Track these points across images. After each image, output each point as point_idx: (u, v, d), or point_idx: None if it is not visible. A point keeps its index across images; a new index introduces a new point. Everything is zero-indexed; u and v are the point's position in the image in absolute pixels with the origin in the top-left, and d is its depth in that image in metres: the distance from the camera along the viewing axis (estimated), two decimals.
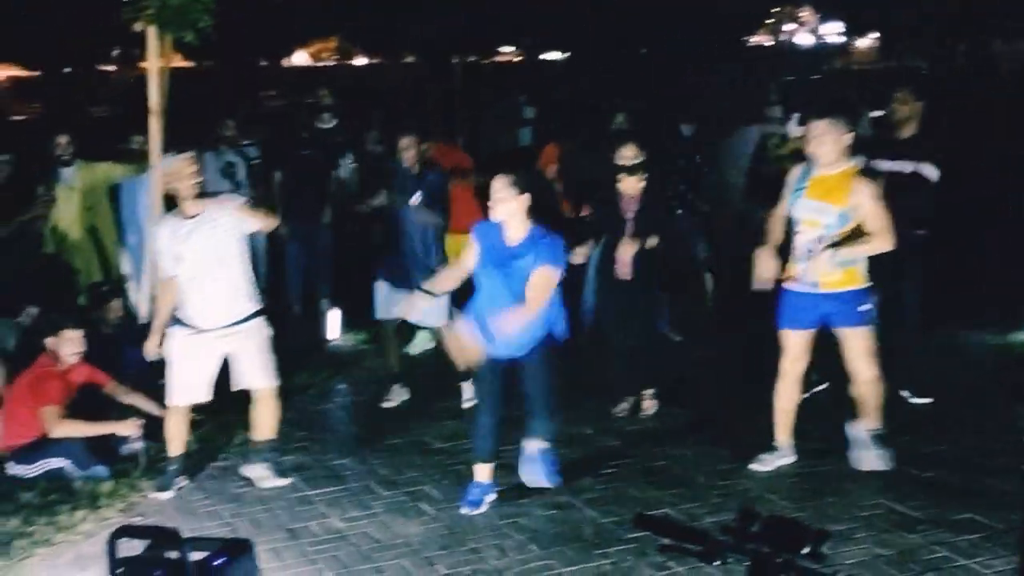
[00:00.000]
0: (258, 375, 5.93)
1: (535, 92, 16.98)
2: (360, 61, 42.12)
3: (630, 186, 6.66)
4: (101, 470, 6.01)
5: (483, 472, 5.67)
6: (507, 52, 38.67)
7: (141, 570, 3.08)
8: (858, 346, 5.75)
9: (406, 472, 6.14)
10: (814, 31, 47.95)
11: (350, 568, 5.02)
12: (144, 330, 7.36)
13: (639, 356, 6.84)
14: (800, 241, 5.70)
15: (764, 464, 5.99)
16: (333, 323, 8.74)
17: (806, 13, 44.83)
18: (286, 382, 6.59)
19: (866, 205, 5.57)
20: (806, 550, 2.57)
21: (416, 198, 6.99)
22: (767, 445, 6.02)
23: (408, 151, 7.10)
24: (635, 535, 5.17)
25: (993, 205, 11.03)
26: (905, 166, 6.66)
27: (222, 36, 7.25)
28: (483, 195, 5.78)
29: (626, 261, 6.59)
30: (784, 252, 5.85)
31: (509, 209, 5.39)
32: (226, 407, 6.40)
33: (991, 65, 24.06)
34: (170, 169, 5.80)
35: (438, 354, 7.53)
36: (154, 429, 6.39)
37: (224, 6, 7.10)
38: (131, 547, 3.19)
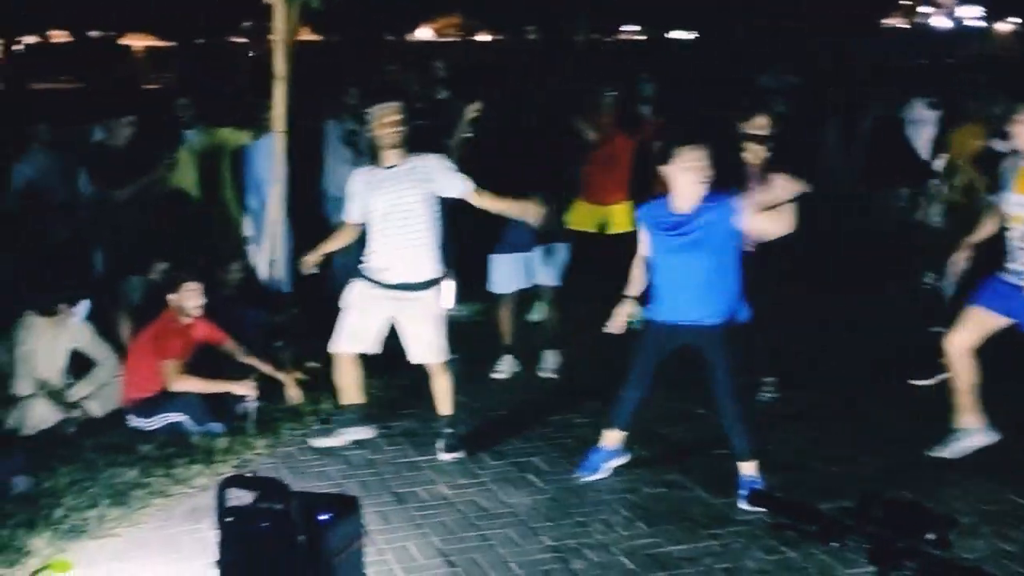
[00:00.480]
0: (425, 349, 5.90)
1: (657, 70, 16.78)
2: (483, 38, 42.25)
3: (755, 155, 6.45)
4: (216, 427, 6.13)
5: (611, 437, 5.58)
6: (630, 30, 38.33)
7: (248, 520, 3.11)
8: None
9: (514, 443, 6.12)
10: (951, 14, 46.31)
11: (456, 534, 5.02)
12: (264, 293, 7.55)
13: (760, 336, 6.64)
14: (1013, 236, 5.42)
15: (952, 451, 5.73)
16: (447, 293, 8.74)
17: None
18: (392, 347, 6.65)
19: None
20: (931, 536, 2.45)
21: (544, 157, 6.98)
22: (886, 434, 5.82)
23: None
24: (746, 518, 5.05)
25: None
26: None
27: (349, 11, 7.31)
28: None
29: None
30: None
31: (704, 180, 5.19)
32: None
33: None
34: (373, 115, 5.75)
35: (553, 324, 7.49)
36: (268, 390, 6.53)
37: None
38: (240, 498, 3.22)
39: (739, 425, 5.33)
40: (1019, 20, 35.99)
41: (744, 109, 6.50)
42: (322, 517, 3.13)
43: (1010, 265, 5.46)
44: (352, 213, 5.92)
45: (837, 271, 9.24)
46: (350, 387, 6.02)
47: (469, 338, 8.09)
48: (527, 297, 7.77)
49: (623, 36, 38.04)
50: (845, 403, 6.64)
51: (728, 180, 6.39)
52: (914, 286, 8.25)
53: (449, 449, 5.92)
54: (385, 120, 5.70)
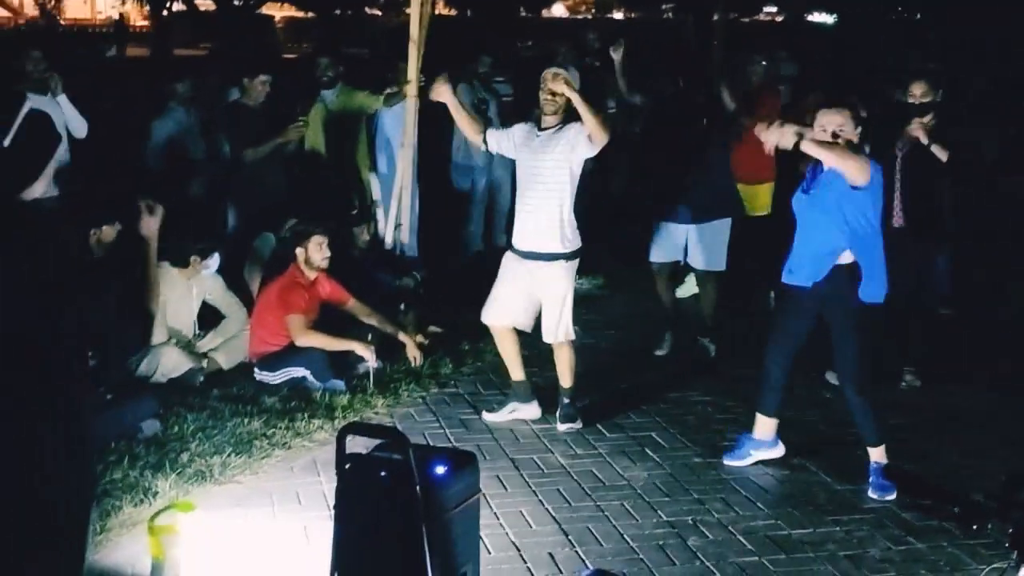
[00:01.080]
0: (550, 326, 5.83)
1: (797, 51, 16.37)
2: (618, 15, 41.95)
3: (915, 127, 6.16)
4: (339, 384, 6.20)
5: (762, 426, 5.37)
6: (771, 12, 37.53)
7: (367, 467, 3.11)
8: None
9: (633, 417, 6.04)
10: None
11: (571, 504, 4.98)
12: (390, 256, 7.61)
13: (911, 320, 6.39)
14: None
15: None
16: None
17: None
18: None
19: None
20: None
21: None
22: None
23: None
24: (872, 506, 4.88)
25: None
26: None
27: None
28: None
29: (897, 206, 6.16)
30: None
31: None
32: (460, 335, 6.49)
33: None
34: (542, 77, 5.70)
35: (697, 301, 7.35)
36: (390, 351, 6.58)
37: None
38: (360, 446, 3.22)
39: (863, 412, 5.14)
40: None
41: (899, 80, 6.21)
42: (439, 470, 3.12)
43: None
44: (492, 136, 5.91)
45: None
46: (510, 361, 5.98)
47: (592, 310, 8.06)
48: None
49: (763, 17, 37.28)
50: (991, 400, 6.36)
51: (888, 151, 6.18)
52: None
53: (565, 419, 5.87)
54: (546, 84, 5.63)
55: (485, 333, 6.23)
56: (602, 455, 5.54)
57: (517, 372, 5.99)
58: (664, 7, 34.87)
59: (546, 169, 5.65)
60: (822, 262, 5.03)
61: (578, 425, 5.85)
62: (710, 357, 7.00)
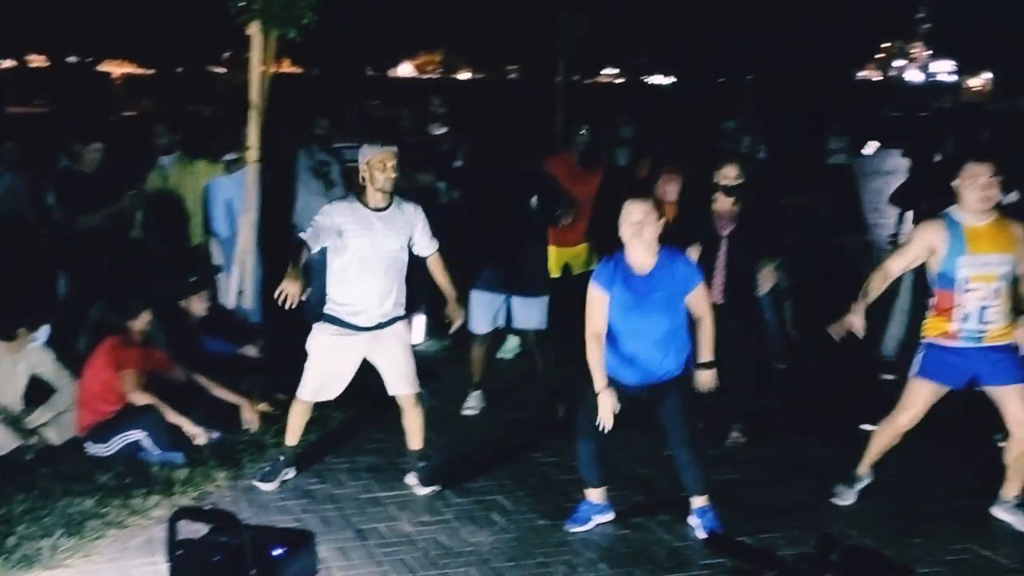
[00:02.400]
0: (397, 383, 5.88)
1: (635, 113, 16.89)
2: (464, 75, 42.53)
3: (725, 207, 6.49)
4: (178, 456, 6.04)
5: (595, 495, 5.53)
6: (610, 73, 38.69)
7: (199, 553, 3.04)
8: (1020, 403, 5.41)
9: (479, 480, 6.06)
10: (924, 68, 47.02)
11: (416, 572, 4.96)
12: (232, 323, 7.49)
13: (731, 386, 6.61)
14: (971, 300, 5.36)
15: (844, 497, 5.77)
16: (417, 328, 8.71)
17: (917, 49, 43.99)
18: (364, 383, 6.59)
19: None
20: None
21: (534, 201, 6.91)
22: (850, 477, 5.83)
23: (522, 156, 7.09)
24: (708, 561, 4.98)
25: None
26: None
27: (329, 44, 7.30)
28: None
29: (717, 284, 6.41)
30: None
31: (649, 235, 5.17)
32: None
33: None
34: (369, 157, 5.65)
35: (523, 360, 7.46)
36: (232, 421, 6.45)
37: (331, 14, 7.16)
38: (193, 530, 3.15)
39: (694, 467, 5.36)
40: (990, 75, 36.56)
41: (716, 159, 6.52)
42: (276, 552, 3.07)
43: (966, 326, 5.43)
44: (314, 237, 5.65)
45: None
46: (297, 430, 5.99)
47: (437, 374, 8.08)
48: (500, 335, 7.75)
49: (603, 79, 38.37)
50: (814, 450, 6.61)
51: (697, 230, 6.44)
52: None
53: (426, 482, 5.87)
54: (381, 164, 5.61)
55: (331, 401, 6.17)
56: (448, 521, 5.53)
57: (297, 440, 5.99)
58: (509, 68, 35.60)
59: (390, 248, 5.69)
60: (671, 353, 5.28)
61: (438, 487, 5.85)
62: (558, 416, 7.10)
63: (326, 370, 5.82)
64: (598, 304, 5.25)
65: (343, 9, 20.13)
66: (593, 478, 5.50)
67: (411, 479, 5.92)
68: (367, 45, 27.52)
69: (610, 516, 5.55)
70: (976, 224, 5.36)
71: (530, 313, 7.02)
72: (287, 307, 5.44)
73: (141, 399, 6.09)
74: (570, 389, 7.22)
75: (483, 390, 7.30)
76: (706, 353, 5.37)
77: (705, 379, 5.43)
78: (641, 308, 5.19)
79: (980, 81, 40.00)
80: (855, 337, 5.51)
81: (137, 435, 6.04)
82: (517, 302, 7.01)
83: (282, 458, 5.97)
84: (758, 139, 9.48)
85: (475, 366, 7.27)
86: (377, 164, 5.61)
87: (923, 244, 5.44)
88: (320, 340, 5.80)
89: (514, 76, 36.06)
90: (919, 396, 5.56)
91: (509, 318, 7.12)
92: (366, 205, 5.68)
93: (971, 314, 5.38)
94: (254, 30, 7.15)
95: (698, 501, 5.38)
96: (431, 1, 28.34)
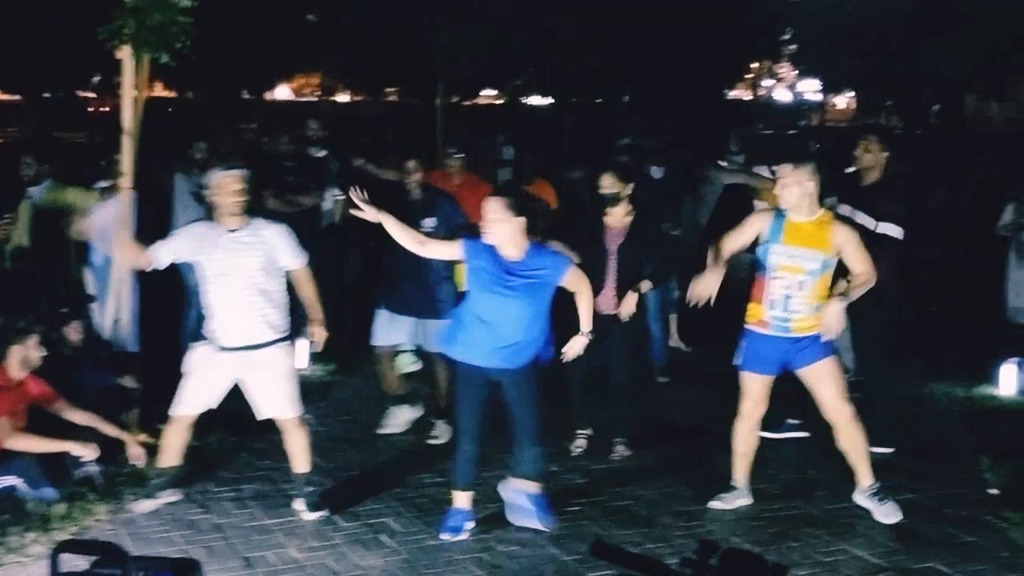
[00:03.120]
0: (274, 406, 5.83)
1: (516, 133, 17.07)
2: (342, 98, 42.27)
3: (614, 218, 6.60)
4: (50, 492, 5.87)
5: (462, 499, 5.63)
6: (489, 95, 38.90)
7: None
8: (829, 381, 5.73)
9: (368, 504, 6.04)
10: (792, 87, 48.56)
11: None
12: (108, 353, 7.31)
13: (616, 398, 6.75)
14: (777, 287, 5.68)
15: (724, 502, 5.96)
16: (301, 353, 8.65)
17: (784, 69, 45.40)
18: (250, 410, 6.52)
19: (849, 248, 5.64)
20: None
21: (429, 224, 6.93)
22: (728, 485, 6.01)
23: (414, 174, 7.07)
24: (597, 574, 5.10)
25: (960, 257, 11.16)
26: (868, 222, 6.65)
27: (203, 66, 7.20)
28: None
29: (607, 296, 6.53)
30: (735, 293, 5.96)
31: (504, 231, 5.34)
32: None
33: (962, 124, 24.43)
34: (216, 182, 5.70)
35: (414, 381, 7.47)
36: (113, 453, 6.30)
37: (206, 36, 7.07)
38: (75, 564, 3.09)
39: (533, 451, 5.56)
40: (852, 93, 37.99)
41: (594, 169, 6.63)
42: None
43: (773, 312, 5.71)
44: (161, 251, 5.84)
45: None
46: (175, 450, 5.92)
47: (323, 398, 8.05)
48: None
49: (482, 100, 38.58)
50: (699, 459, 6.78)
51: (584, 242, 6.56)
52: None
53: (313, 508, 5.83)
54: (228, 188, 5.67)
55: (212, 428, 6.10)
56: (337, 545, 5.51)
57: (179, 458, 5.94)
58: (388, 91, 35.50)
59: (247, 267, 5.68)
60: (528, 341, 5.42)
61: (325, 513, 5.81)
62: (438, 440, 7.11)
63: (197, 384, 5.81)
64: (450, 248, 5.55)
65: (217, 32, 19.88)
66: (469, 479, 5.60)
67: (298, 505, 5.88)
68: (242, 68, 27.11)
69: (473, 523, 5.65)
70: (798, 220, 5.68)
71: (429, 333, 7.02)
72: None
73: (16, 445, 5.90)
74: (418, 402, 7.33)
75: (410, 403, 7.26)
76: (585, 324, 5.56)
77: (577, 345, 5.58)
78: (504, 287, 5.33)
79: (844, 100, 41.55)
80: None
81: (11, 480, 5.86)
82: (425, 324, 7.03)
83: (160, 479, 5.89)
84: (653, 158, 9.71)
85: (387, 381, 7.26)
86: (223, 190, 5.68)
87: (753, 228, 5.82)
88: (194, 355, 5.85)
89: (394, 98, 36.00)
90: (751, 386, 5.89)
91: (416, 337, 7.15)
92: (220, 226, 5.74)
93: (777, 302, 5.70)
94: (125, 54, 7.02)
95: (531, 486, 5.58)
96: (307, 24, 28.15)
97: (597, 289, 6.37)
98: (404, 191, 7.11)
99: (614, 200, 6.53)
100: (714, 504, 5.96)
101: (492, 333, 5.37)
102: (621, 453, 6.76)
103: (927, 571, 5.26)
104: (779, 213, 5.75)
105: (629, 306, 6.54)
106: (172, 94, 34.03)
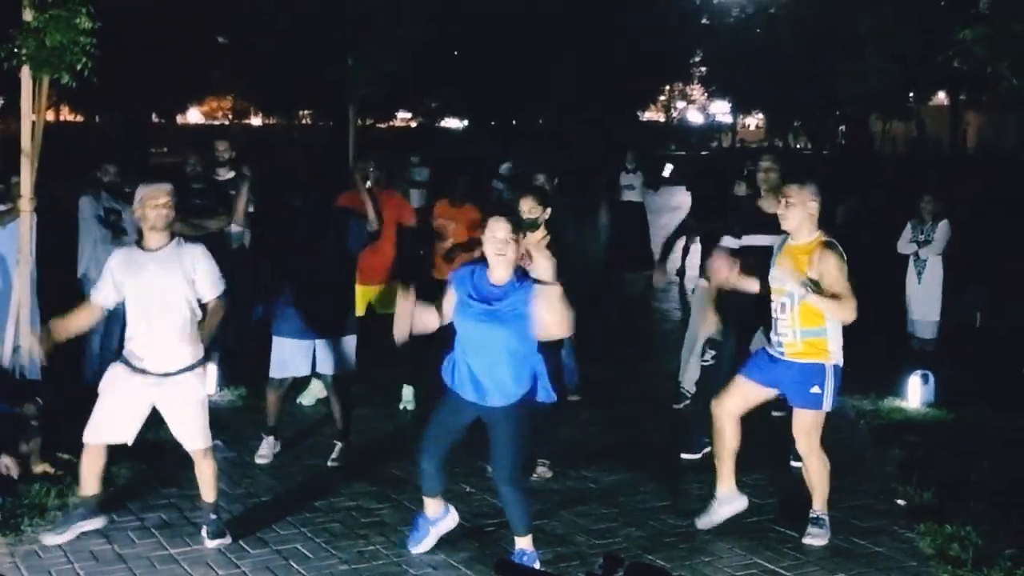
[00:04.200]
0: (185, 436, 5.69)
1: (429, 155, 17.09)
2: (256, 121, 41.93)
3: (530, 241, 6.56)
4: None
5: (431, 506, 5.55)
6: (405, 118, 38.91)
7: None
8: (798, 424, 5.76)
9: (277, 530, 5.92)
10: (704, 109, 49.43)
11: None
12: (8, 381, 7.09)
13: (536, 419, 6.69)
14: (773, 309, 5.73)
15: (711, 518, 5.92)
16: (210, 378, 8.48)
17: (696, 91, 46.19)
18: (157, 437, 6.38)
19: (827, 275, 5.55)
20: None
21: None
22: (649, 507, 6.03)
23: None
24: None
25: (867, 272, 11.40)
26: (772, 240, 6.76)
27: (111, 89, 7.04)
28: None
29: None
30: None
31: (514, 255, 5.21)
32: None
33: (868, 145, 25.05)
34: (142, 196, 5.53)
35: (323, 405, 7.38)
36: (10, 486, 6.10)
37: (113, 58, 6.93)
38: None
39: (518, 504, 5.37)
40: (761, 115, 38.77)
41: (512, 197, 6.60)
42: None
43: (771, 334, 5.78)
44: (102, 294, 5.68)
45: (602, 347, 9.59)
46: (93, 477, 5.73)
47: (232, 423, 7.90)
48: (300, 381, 7.64)
49: (397, 123, 38.59)
50: (617, 480, 6.79)
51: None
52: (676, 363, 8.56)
53: (214, 536, 5.70)
54: (154, 202, 5.51)
55: (115, 455, 5.93)
56: (245, 573, 5.38)
57: (97, 486, 5.76)
58: (302, 113, 35.30)
59: (168, 288, 5.55)
60: (519, 376, 5.27)
61: (228, 540, 5.69)
62: (345, 460, 7.03)
63: (111, 409, 5.61)
64: (447, 298, 5.33)
65: (124, 54, 19.56)
66: (435, 488, 5.51)
67: (204, 532, 5.75)
68: (151, 91, 26.70)
69: (451, 522, 5.60)
70: (795, 242, 5.73)
71: (335, 356, 6.96)
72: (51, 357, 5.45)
73: None
74: (358, 432, 7.24)
75: (276, 436, 7.17)
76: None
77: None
78: (491, 317, 5.18)
79: (754, 120, 42.42)
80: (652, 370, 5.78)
81: None
82: (321, 345, 6.94)
83: (80, 510, 5.70)
84: (548, 177, 9.77)
85: (270, 410, 7.14)
86: (149, 203, 5.53)
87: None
88: (109, 377, 5.67)
89: (307, 121, 35.81)
90: (741, 388, 5.89)
91: (313, 363, 7.03)
92: (142, 247, 5.60)
93: (773, 323, 5.75)
94: (24, 75, 6.85)
95: (521, 543, 5.40)
96: (218, 46, 27.86)
97: None
98: (306, 211, 7.01)
99: (533, 225, 6.49)
100: (700, 520, 5.93)
101: (482, 363, 5.22)
102: (542, 475, 6.70)
103: None
104: (786, 235, 5.77)
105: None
106: (79, 118, 33.41)
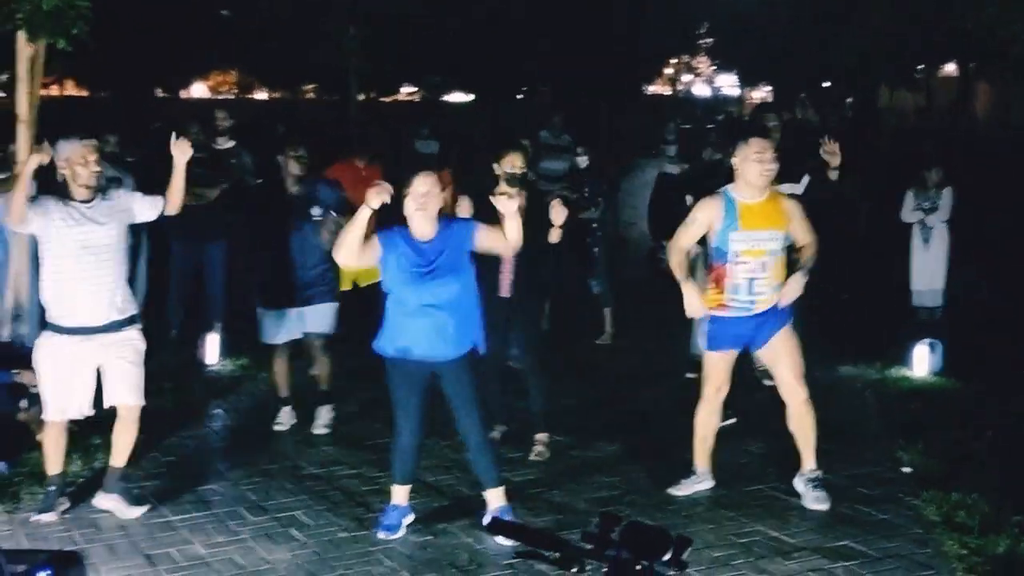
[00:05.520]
0: (124, 391, 5.58)
1: (437, 128, 16.96)
2: (260, 95, 41.73)
3: (512, 196, 6.44)
4: None
5: (400, 494, 5.48)
6: (410, 92, 38.71)
7: None
8: (787, 356, 5.72)
9: (277, 498, 5.89)
10: (710, 82, 49.13)
11: None
12: (7, 349, 7.05)
13: (530, 385, 6.62)
14: (740, 271, 5.62)
15: (682, 489, 5.93)
16: (211, 347, 8.47)
17: (702, 64, 45.90)
18: (158, 406, 6.34)
19: (796, 221, 5.63)
20: (666, 556, 2.46)
21: (316, 213, 6.77)
22: (677, 471, 5.99)
23: (292, 170, 6.88)
24: (511, 561, 5.02)
25: (869, 240, 11.34)
26: (794, 188, 6.71)
27: (116, 63, 6.93)
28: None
29: (505, 277, 6.41)
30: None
31: (435, 208, 5.18)
32: (88, 425, 6.09)
33: (875, 116, 24.88)
34: (69, 153, 5.43)
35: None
36: (9, 453, 6.08)
37: (117, 32, 6.85)
38: None
39: (484, 454, 5.38)
40: (769, 87, 38.52)
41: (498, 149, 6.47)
42: (40, 574, 2.88)
43: (737, 297, 5.69)
44: (32, 216, 5.39)
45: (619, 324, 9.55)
46: (58, 455, 5.64)
47: (233, 392, 7.87)
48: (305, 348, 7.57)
49: (402, 97, 38.38)
50: (620, 449, 6.75)
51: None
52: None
53: (136, 501, 5.65)
54: (84, 158, 5.43)
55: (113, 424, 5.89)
56: (244, 540, 5.35)
57: (61, 466, 5.68)
58: (305, 88, 35.10)
59: (102, 240, 5.45)
60: (461, 330, 5.24)
61: (148, 506, 5.62)
62: (327, 423, 7.00)
63: (60, 383, 5.51)
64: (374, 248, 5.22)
65: (129, 27, 19.45)
66: (407, 474, 5.47)
67: (108, 502, 5.60)
68: (156, 65, 26.56)
69: (412, 517, 5.52)
70: (750, 201, 5.62)
71: (318, 317, 6.90)
72: None
73: None
74: (358, 403, 7.20)
75: (292, 405, 7.10)
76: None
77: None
78: (430, 273, 5.17)
79: (761, 93, 42.13)
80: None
81: None
82: (308, 311, 6.89)
83: (52, 488, 5.63)
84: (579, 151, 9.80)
85: (278, 379, 7.08)
86: (78, 159, 5.44)
87: (703, 219, 5.71)
88: (44, 351, 5.52)
89: (311, 96, 35.62)
90: (714, 367, 5.82)
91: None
92: (74, 199, 5.47)
93: (741, 286, 5.66)
94: (21, 40, 6.77)
95: (494, 498, 5.40)
96: (222, 19, 27.68)
97: (496, 273, 6.30)
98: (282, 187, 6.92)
99: (520, 179, 6.39)
100: (672, 490, 5.92)
101: (429, 320, 5.19)
102: (541, 454, 6.53)
103: (841, 549, 5.26)
104: (728, 198, 5.65)
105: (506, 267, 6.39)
106: (84, 93, 33.30)
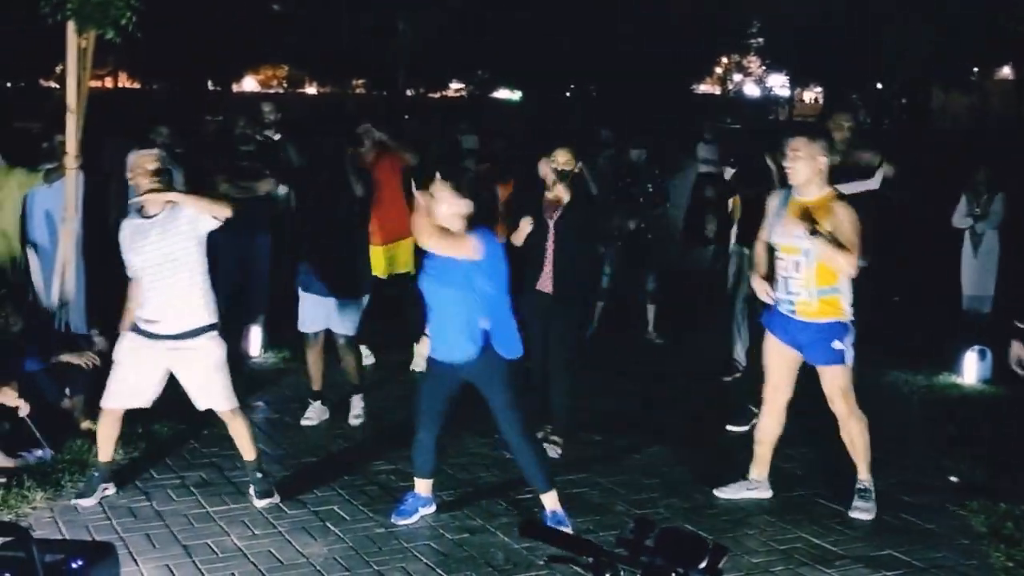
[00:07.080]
0: (211, 397, 5.64)
1: (480, 124, 16.99)
2: (310, 90, 42.03)
3: (557, 194, 6.43)
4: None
5: (422, 485, 5.53)
6: (458, 88, 38.80)
7: None
8: (831, 384, 5.59)
9: (315, 491, 5.88)
10: (761, 82, 48.66)
11: None
12: (53, 336, 7.11)
13: (554, 386, 6.54)
14: (779, 267, 5.56)
15: (727, 491, 5.86)
16: (254, 340, 8.50)
17: (753, 63, 45.48)
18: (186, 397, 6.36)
19: (842, 228, 5.39)
20: (702, 564, 2.41)
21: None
22: (692, 478, 5.91)
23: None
24: (545, 562, 4.96)
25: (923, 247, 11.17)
26: (864, 185, 6.63)
27: (168, 56, 6.98)
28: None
29: (547, 272, 6.38)
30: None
31: (452, 212, 5.15)
32: (132, 416, 6.12)
33: (927, 117, 24.52)
34: (131, 163, 5.53)
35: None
36: (54, 440, 6.13)
37: (170, 26, 6.91)
38: None
39: (524, 455, 5.34)
40: (820, 88, 38.12)
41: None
42: (72, 565, 2.88)
43: (780, 295, 5.61)
44: (130, 268, 5.60)
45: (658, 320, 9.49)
46: (109, 444, 5.71)
47: (275, 384, 7.89)
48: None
49: (449, 93, 38.47)
50: (660, 451, 6.68)
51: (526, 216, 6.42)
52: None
53: (262, 495, 5.69)
54: (145, 168, 5.48)
55: (157, 414, 5.93)
56: (281, 533, 5.35)
57: (111, 455, 5.76)
58: (355, 83, 35.28)
59: (175, 249, 5.48)
60: (469, 334, 5.17)
61: (276, 499, 5.67)
62: (359, 415, 7.02)
63: (126, 377, 5.59)
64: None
65: (181, 21, 19.64)
66: (426, 468, 5.49)
67: (251, 492, 5.73)
68: (207, 59, 26.83)
69: (432, 508, 5.55)
70: (803, 198, 5.53)
71: (342, 316, 6.93)
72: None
73: None
74: (372, 392, 7.20)
75: (323, 400, 7.12)
76: None
77: None
78: (441, 279, 5.19)
79: (812, 95, 41.73)
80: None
81: None
82: (334, 304, 6.92)
83: (96, 474, 5.70)
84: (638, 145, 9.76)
85: (312, 371, 7.09)
86: (139, 168, 5.50)
87: (768, 210, 5.71)
88: (123, 346, 5.63)
89: (361, 91, 35.79)
90: (770, 357, 5.73)
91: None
92: (142, 215, 5.55)
93: (779, 283, 5.60)
94: (70, 31, 6.82)
95: (547, 501, 5.36)
96: (273, 15, 27.91)
97: (539, 267, 6.32)
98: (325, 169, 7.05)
99: (566, 175, 6.37)
100: (718, 492, 5.86)
101: (448, 322, 5.20)
102: (555, 452, 6.42)
103: (884, 559, 5.16)
104: (787, 192, 5.61)
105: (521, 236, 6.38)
106: (136, 84, 33.71)
